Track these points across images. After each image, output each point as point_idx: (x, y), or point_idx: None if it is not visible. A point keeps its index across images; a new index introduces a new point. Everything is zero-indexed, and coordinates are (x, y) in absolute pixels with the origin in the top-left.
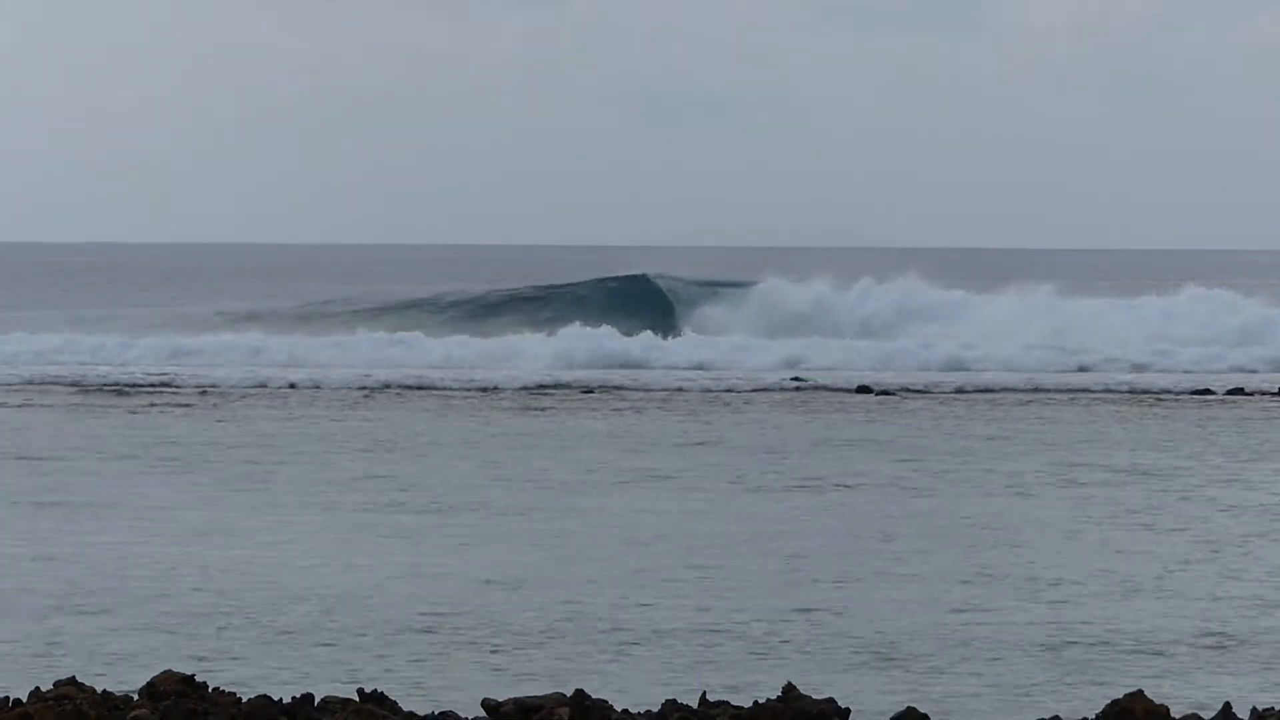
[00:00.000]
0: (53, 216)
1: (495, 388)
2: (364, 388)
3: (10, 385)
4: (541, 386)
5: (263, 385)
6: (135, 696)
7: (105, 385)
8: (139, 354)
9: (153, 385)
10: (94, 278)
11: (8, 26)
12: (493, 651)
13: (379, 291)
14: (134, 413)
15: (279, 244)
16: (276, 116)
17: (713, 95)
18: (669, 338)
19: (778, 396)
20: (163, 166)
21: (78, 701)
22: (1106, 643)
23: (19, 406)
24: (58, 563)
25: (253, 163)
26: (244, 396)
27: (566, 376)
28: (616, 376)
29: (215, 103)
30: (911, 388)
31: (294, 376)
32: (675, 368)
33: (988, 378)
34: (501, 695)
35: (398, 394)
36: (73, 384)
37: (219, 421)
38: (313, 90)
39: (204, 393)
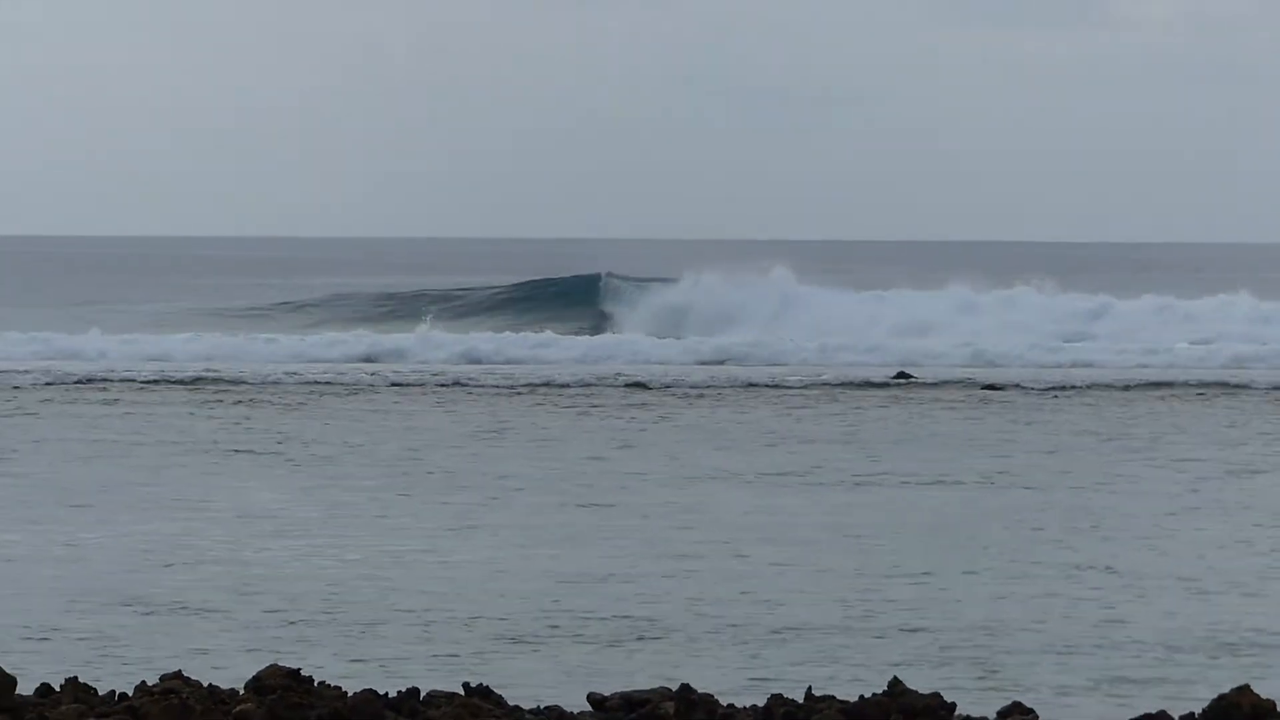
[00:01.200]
0: (116, 211)
1: (569, 384)
2: (460, 383)
3: (176, 381)
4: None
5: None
6: (241, 691)
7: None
8: (268, 350)
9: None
10: (169, 272)
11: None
12: (599, 645)
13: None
14: (247, 404)
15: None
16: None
17: (815, 90)
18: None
19: (879, 393)
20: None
21: (184, 695)
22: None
23: (180, 404)
24: (162, 556)
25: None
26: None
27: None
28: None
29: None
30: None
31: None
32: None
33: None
34: (607, 689)
35: (464, 389)
36: (194, 381)
37: (327, 423)
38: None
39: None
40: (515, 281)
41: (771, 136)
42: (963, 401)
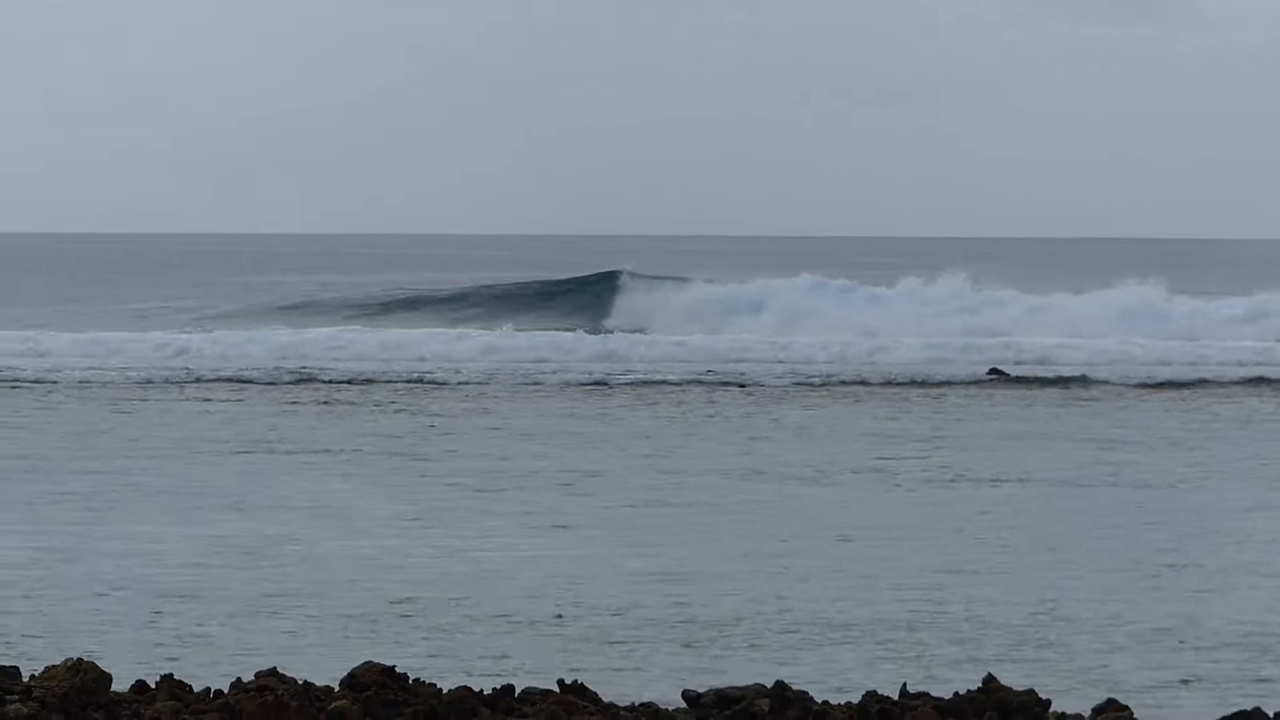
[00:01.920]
0: (189, 207)
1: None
2: (536, 382)
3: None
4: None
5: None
6: (336, 688)
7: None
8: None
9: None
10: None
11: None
12: (695, 642)
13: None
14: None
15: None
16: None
17: (908, 87)
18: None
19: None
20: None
21: (279, 692)
22: None
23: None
24: (256, 553)
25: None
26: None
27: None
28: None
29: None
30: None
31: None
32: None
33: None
34: (701, 686)
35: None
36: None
37: (432, 425)
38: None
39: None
40: (570, 276)
41: (835, 132)
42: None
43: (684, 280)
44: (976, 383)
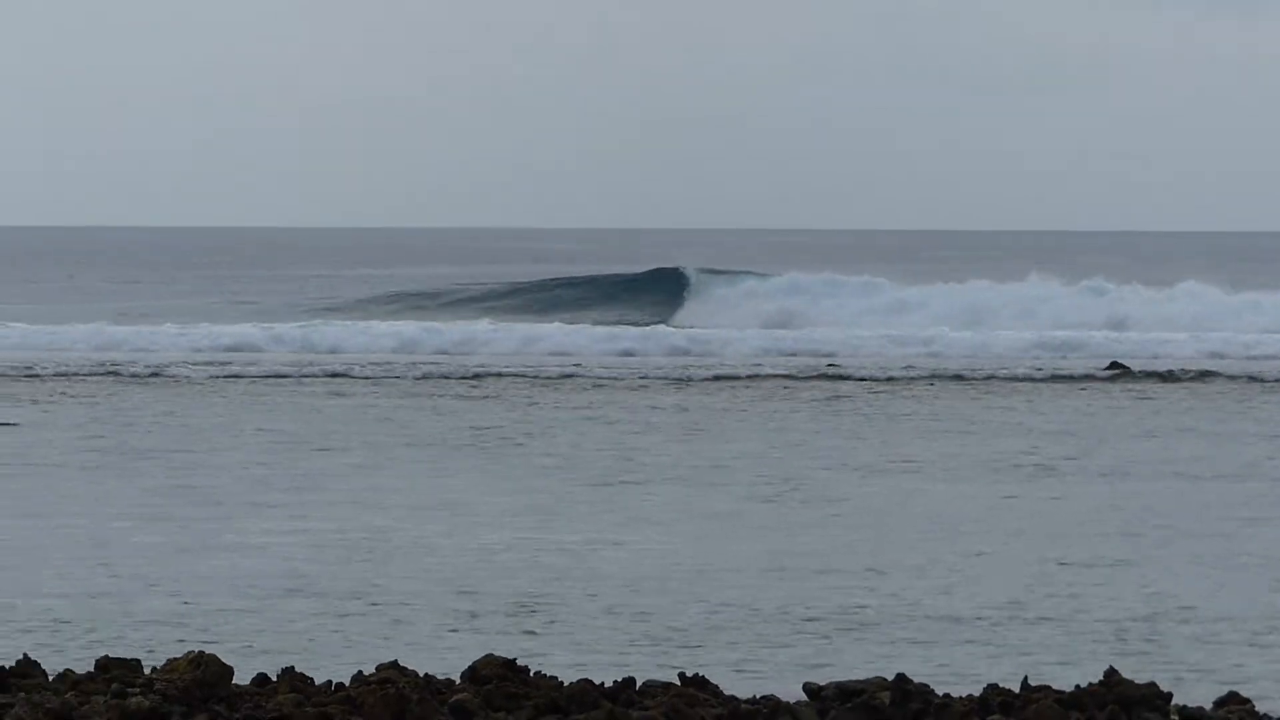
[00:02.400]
0: (262, 201)
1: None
2: (683, 379)
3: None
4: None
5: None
6: (457, 680)
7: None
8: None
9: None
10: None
11: None
12: (815, 635)
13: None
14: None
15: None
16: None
17: (998, 74)
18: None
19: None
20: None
21: (400, 685)
22: None
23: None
24: (376, 547)
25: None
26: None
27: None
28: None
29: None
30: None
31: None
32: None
33: None
34: (822, 679)
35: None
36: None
37: (532, 405)
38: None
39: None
40: (644, 267)
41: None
42: None
43: (750, 274)
44: (1096, 378)
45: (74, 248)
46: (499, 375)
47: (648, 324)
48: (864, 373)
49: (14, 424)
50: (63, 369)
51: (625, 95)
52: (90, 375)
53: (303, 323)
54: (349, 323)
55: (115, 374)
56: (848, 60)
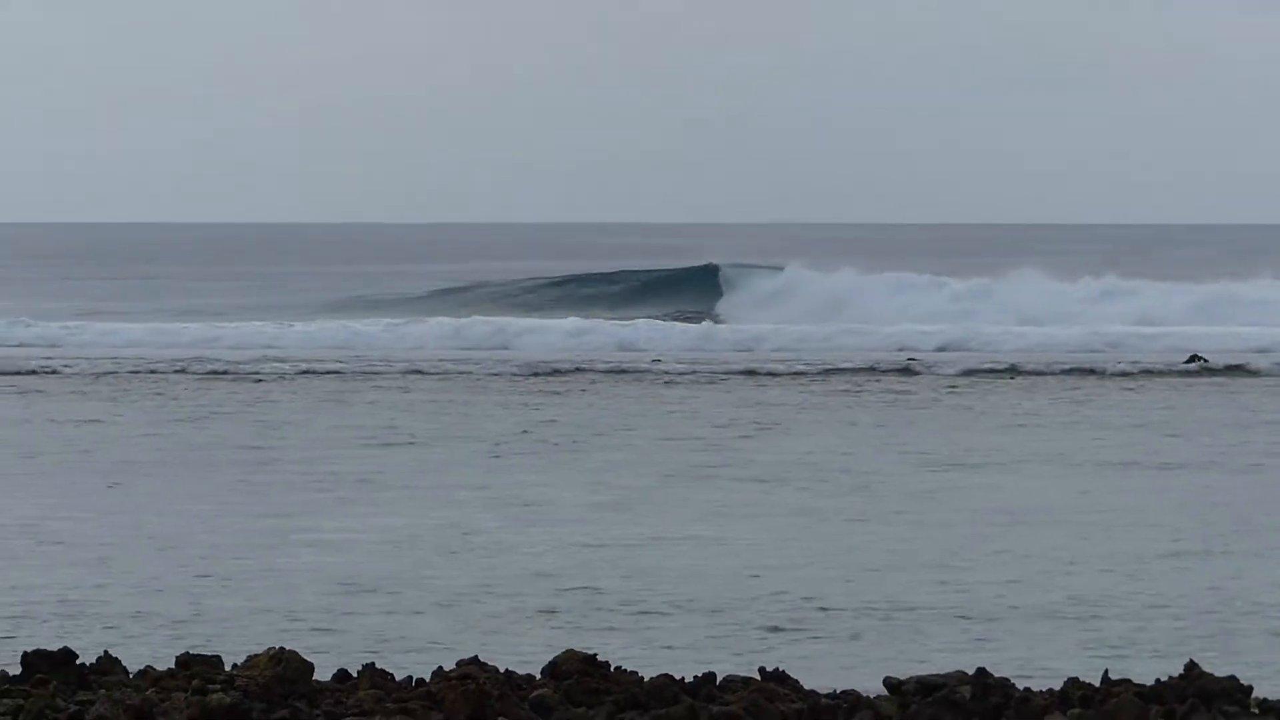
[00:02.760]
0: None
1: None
2: (752, 371)
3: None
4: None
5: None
6: (537, 676)
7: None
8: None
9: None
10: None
11: None
12: (895, 628)
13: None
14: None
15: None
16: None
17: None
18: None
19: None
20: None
21: (481, 681)
22: None
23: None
24: (454, 542)
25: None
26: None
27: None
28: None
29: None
30: None
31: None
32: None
33: None
34: (903, 673)
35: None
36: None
37: (590, 404)
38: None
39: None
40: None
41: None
42: None
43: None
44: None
45: (78, 244)
46: (578, 371)
47: (695, 317)
48: (943, 367)
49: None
50: (139, 365)
51: (625, 95)
52: (170, 372)
53: (380, 318)
54: (418, 319)
55: (190, 371)
56: (847, 60)
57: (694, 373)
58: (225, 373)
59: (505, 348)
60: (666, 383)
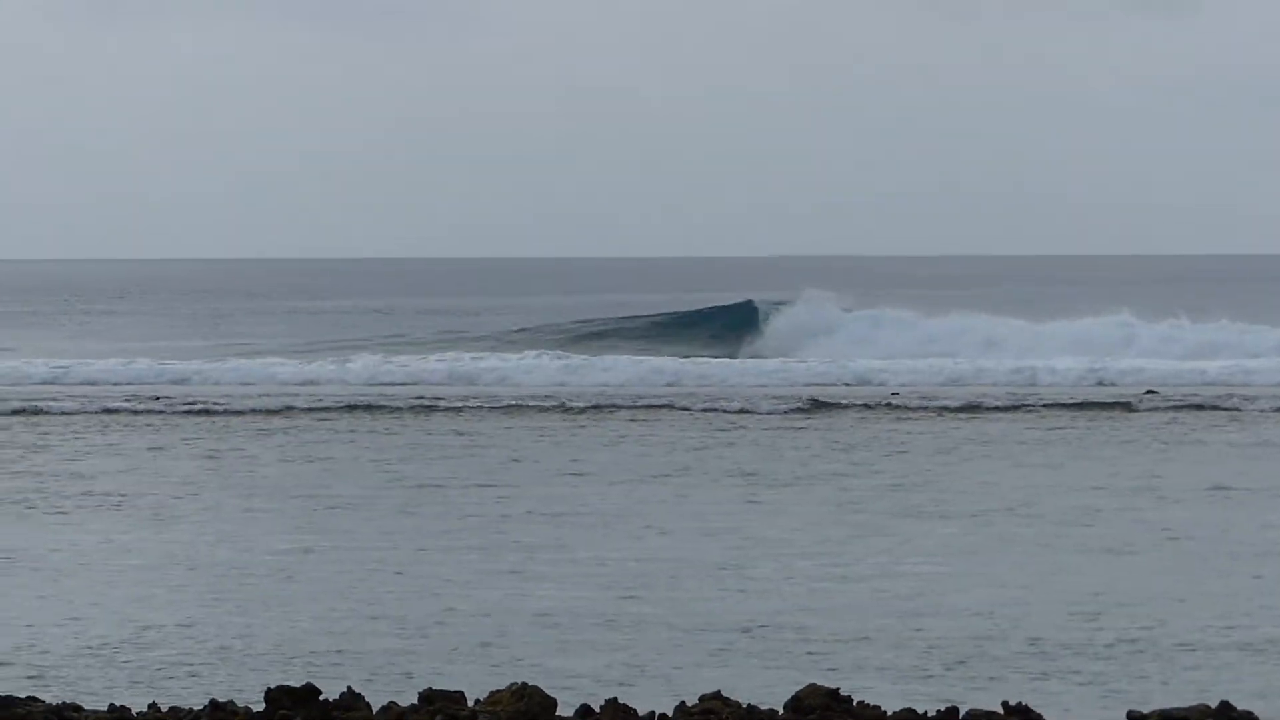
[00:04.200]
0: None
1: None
2: (929, 407)
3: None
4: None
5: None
6: (779, 711)
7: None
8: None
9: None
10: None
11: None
12: (1137, 661)
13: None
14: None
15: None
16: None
17: None
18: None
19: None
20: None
21: (723, 715)
22: None
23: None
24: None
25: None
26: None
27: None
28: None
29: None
30: None
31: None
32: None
33: None
34: (1146, 706)
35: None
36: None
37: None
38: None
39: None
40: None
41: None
42: None
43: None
44: None
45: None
46: (750, 412)
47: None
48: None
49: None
50: (315, 402)
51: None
52: (350, 409)
53: (550, 352)
54: (593, 356)
55: (382, 406)
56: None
57: (872, 405)
58: (433, 407)
59: (674, 385)
60: (860, 420)
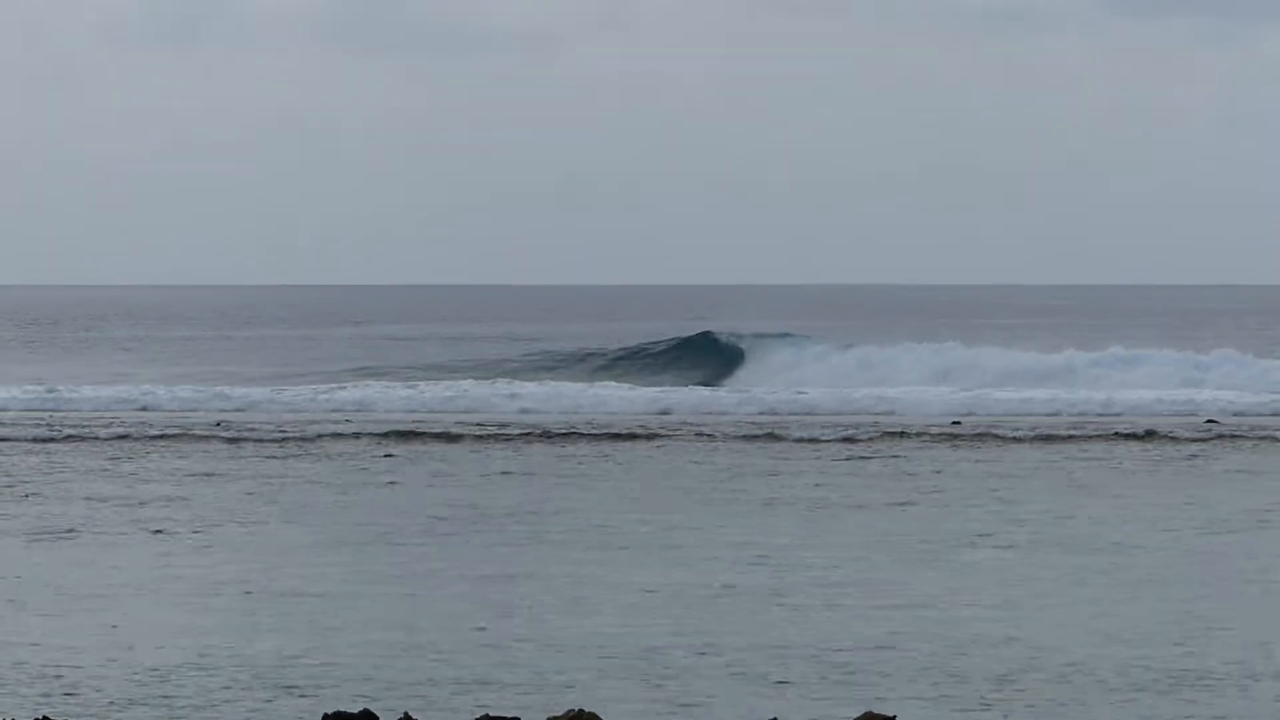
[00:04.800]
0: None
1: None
2: (950, 434)
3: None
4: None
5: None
6: None
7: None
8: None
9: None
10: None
11: None
12: (1181, 700)
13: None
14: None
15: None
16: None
17: None
18: None
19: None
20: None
21: None
22: None
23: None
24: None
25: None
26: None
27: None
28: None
29: None
30: None
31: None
32: None
33: None
34: None
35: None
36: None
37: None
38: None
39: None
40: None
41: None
42: None
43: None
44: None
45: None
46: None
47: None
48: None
49: (396, 482)
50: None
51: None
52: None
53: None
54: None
55: (461, 435)
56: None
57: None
58: (493, 437)
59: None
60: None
